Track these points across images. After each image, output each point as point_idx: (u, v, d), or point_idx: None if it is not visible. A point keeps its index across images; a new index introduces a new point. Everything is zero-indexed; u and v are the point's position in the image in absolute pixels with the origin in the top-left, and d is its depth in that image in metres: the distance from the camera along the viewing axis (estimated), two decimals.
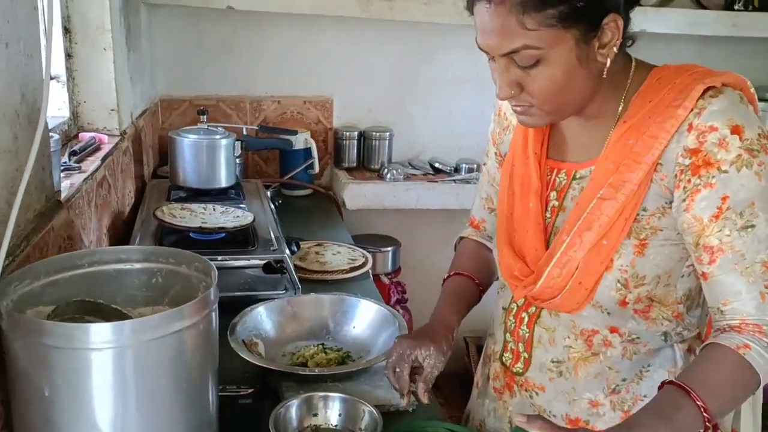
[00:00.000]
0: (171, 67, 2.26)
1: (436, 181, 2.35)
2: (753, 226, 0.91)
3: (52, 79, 1.53)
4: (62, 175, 1.23)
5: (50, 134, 1.12)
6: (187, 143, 1.73)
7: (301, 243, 1.68)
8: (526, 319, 1.09)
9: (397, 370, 1.05)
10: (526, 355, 1.10)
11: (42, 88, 1.01)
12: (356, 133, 2.42)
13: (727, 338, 0.95)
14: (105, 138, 1.55)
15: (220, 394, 0.92)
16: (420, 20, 2.22)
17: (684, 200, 0.94)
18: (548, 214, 1.05)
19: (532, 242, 1.05)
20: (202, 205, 1.57)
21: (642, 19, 0.98)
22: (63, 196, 1.16)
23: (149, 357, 0.76)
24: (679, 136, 0.92)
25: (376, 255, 2.17)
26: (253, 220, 1.53)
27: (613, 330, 1.03)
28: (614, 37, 0.91)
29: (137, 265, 0.95)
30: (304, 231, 1.91)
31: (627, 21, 0.94)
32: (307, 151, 2.25)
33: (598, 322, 1.02)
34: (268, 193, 1.90)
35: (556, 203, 1.05)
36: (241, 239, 1.50)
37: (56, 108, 1.55)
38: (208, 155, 1.75)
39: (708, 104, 0.91)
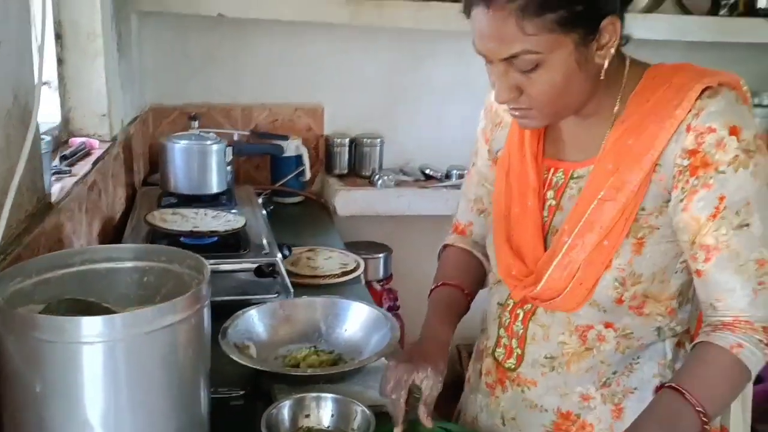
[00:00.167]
0: (161, 76, 2.27)
1: (427, 188, 2.36)
2: (748, 225, 0.93)
3: (44, 84, 1.53)
4: (53, 178, 1.23)
5: (42, 136, 1.12)
6: (178, 148, 1.74)
7: (292, 248, 1.68)
8: (521, 316, 1.09)
9: (394, 396, 1.01)
10: (519, 351, 1.10)
11: (34, 89, 1.01)
12: (347, 140, 2.43)
13: (720, 337, 0.96)
14: (96, 143, 1.55)
15: (211, 396, 0.92)
16: (409, 27, 2.24)
17: (682, 200, 0.95)
18: (545, 213, 1.06)
19: (531, 241, 1.05)
20: (194, 210, 1.57)
21: (629, 25, 1.00)
22: (54, 198, 1.16)
23: (141, 351, 0.76)
24: (677, 136, 0.93)
25: (368, 261, 2.17)
26: (245, 224, 1.53)
27: (607, 325, 1.03)
28: (612, 38, 0.92)
29: (128, 264, 0.95)
30: (296, 238, 1.91)
31: (622, 21, 0.94)
32: (299, 158, 2.26)
33: (594, 318, 1.03)
34: (260, 200, 1.90)
35: (554, 202, 1.05)
36: (233, 243, 1.50)
37: (47, 114, 1.55)
38: (199, 161, 1.76)
39: (706, 105, 0.92)
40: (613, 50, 0.93)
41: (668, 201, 0.97)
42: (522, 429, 1.11)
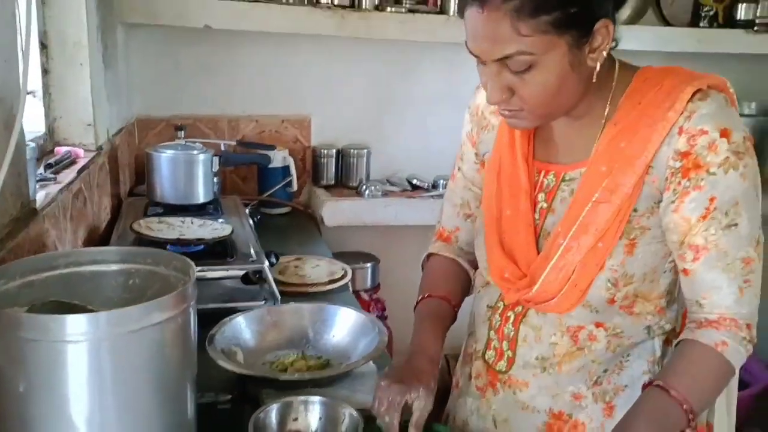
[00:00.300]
0: (148, 87, 2.27)
1: (414, 197, 2.36)
2: (736, 224, 0.95)
3: (28, 93, 1.53)
4: (38, 186, 1.23)
5: (27, 143, 1.12)
6: (165, 158, 1.73)
7: (280, 257, 1.68)
8: (512, 318, 1.09)
9: (387, 418, 1.00)
10: (510, 354, 1.10)
11: (20, 95, 1.01)
12: (334, 151, 2.43)
13: (705, 335, 0.98)
14: (81, 152, 1.54)
15: (198, 402, 0.92)
16: (395, 38, 2.26)
17: (673, 201, 0.96)
18: (536, 216, 1.06)
19: (523, 244, 1.06)
20: (180, 219, 1.57)
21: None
22: (38, 204, 1.15)
23: (126, 350, 0.75)
24: (670, 138, 0.94)
25: (356, 271, 2.17)
26: (232, 232, 1.53)
27: (598, 325, 1.04)
28: (605, 41, 0.93)
29: (114, 267, 0.95)
30: (283, 248, 1.90)
31: (614, 25, 0.95)
32: (285, 169, 2.26)
33: (585, 319, 1.03)
34: (247, 211, 1.90)
35: (545, 205, 1.05)
36: (220, 251, 1.49)
37: (33, 123, 1.54)
38: (185, 170, 1.75)
39: (697, 108, 0.93)
40: (605, 53, 0.94)
41: (659, 202, 0.98)
42: (514, 430, 1.11)
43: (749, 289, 0.97)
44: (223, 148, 1.95)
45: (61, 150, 1.52)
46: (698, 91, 0.95)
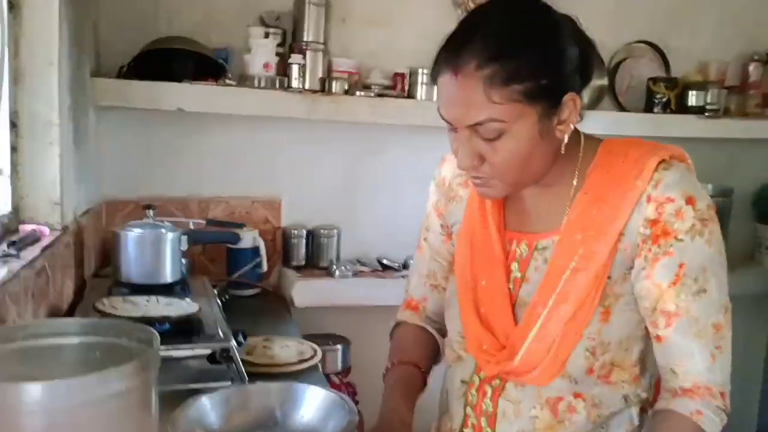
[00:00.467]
0: (117, 169, 2.26)
1: (385, 277, 2.35)
2: (705, 290, 0.97)
3: None
4: (0, 261, 1.20)
5: None
6: (132, 237, 1.71)
7: (248, 337, 1.64)
8: (489, 393, 1.07)
9: None
10: (489, 430, 1.07)
11: None
12: (305, 232, 2.43)
13: (680, 404, 0.98)
14: (46, 231, 1.52)
15: None
16: (365, 121, 2.32)
17: (644, 268, 0.98)
18: (510, 286, 1.06)
19: (500, 314, 1.05)
20: (146, 298, 1.53)
21: None
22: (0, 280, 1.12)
23: (85, 420, 0.71)
24: (639, 206, 0.97)
25: (326, 353, 2.12)
26: (199, 310, 1.49)
27: (577, 395, 1.03)
28: (572, 114, 0.97)
29: (75, 339, 0.91)
30: (252, 329, 1.85)
31: (581, 100, 0.99)
32: (255, 251, 2.24)
33: (564, 390, 1.02)
34: (215, 291, 1.87)
35: (519, 274, 1.06)
36: (186, 330, 1.45)
37: None
38: (152, 249, 1.73)
39: (663, 177, 0.97)
40: (572, 126, 0.98)
41: (631, 269, 1.00)
42: None
43: (721, 355, 0.98)
44: (191, 227, 1.93)
45: (26, 228, 1.50)
46: (662, 161, 0.98)
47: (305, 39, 2.32)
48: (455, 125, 0.97)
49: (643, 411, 1.08)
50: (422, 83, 2.41)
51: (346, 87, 2.32)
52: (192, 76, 2.17)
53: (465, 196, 1.16)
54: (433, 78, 0.99)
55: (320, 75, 2.32)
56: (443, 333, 1.23)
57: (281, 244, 2.46)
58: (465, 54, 0.93)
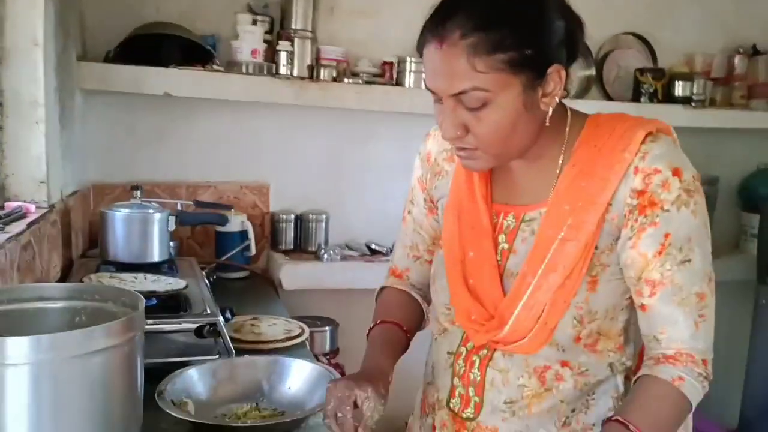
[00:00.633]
0: (105, 153, 2.26)
1: (373, 261, 2.37)
2: (690, 260, 0.99)
3: None
4: None
5: None
6: (119, 216, 1.72)
7: (236, 316, 1.65)
8: (477, 363, 1.08)
9: (339, 414, 0.99)
10: (477, 399, 1.08)
11: None
12: (293, 216, 2.44)
13: (663, 370, 0.99)
14: (32, 208, 1.52)
15: None
16: (352, 107, 2.33)
17: (630, 238, 0.99)
18: (498, 257, 1.07)
19: (489, 285, 1.06)
20: (133, 275, 1.54)
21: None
22: None
23: (68, 377, 0.72)
24: (626, 178, 0.98)
25: (314, 334, 2.13)
26: (186, 287, 1.50)
27: (564, 364, 1.05)
28: (557, 87, 0.97)
29: (60, 304, 0.92)
30: (240, 310, 1.86)
31: (568, 73, 0.99)
32: (243, 234, 2.25)
33: (551, 358, 1.04)
34: (204, 273, 1.87)
35: (506, 246, 1.07)
36: (173, 305, 1.46)
37: None
38: (140, 229, 1.73)
39: (650, 149, 0.98)
40: (557, 99, 0.98)
41: (617, 239, 1.01)
42: None
43: (704, 323, 1.00)
44: (179, 208, 1.93)
45: (11, 205, 1.50)
46: (649, 133, 1.00)
47: (293, 27, 2.32)
48: (440, 95, 0.98)
49: (627, 379, 1.09)
50: (411, 72, 2.42)
51: (335, 75, 2.33)
52: (179, 62, 2.17)
53: (450, 170, 1.17)
54: (419, 49, 0.99)
55: (308, 62, 2.32)
56: (427, 300, 1.25)
57: (269, 229, 2.46)
58: (449, 24, 0.93)
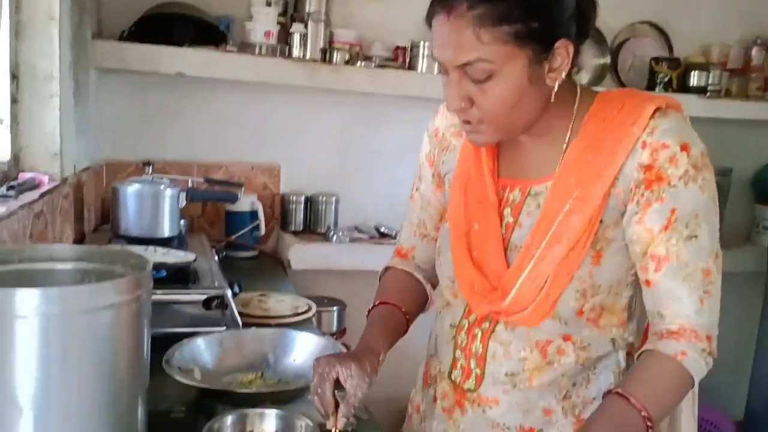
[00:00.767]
0: (118, 131, 2.28)
1: (382, 244, 2.38)
2: (696, 236, 0.98)
3: None
4: None
5: None
6: (131, 191, 1.74)
7: (244, 291, 1.67)
8: (480, 335, 1.09)
9: (319, 390, 1.00)
10: (479, 371, 1.09)
11: None
12: (303, 198, 2.46)
13: (666, 345, 1.00)
14: (45, 179, 1.54)
15: (151, 409, 0.89)
16: (364, 90, 2.33)
17: (636, 213, 0.99)
18: (503, 230, 1.08)
19: (493, 257, 1.07)
20: (143, 247, 1.56)
21: None
22: None
23: (76, 330, 0.74)
24: (634, 152, 0.98)
25: (322, 314, 2.15)
26: (195, 260, 1.52)
27: (566, 338, 1.05)
28: (564, 62, 0.97)
29: (69, 265, 0.93)
30: (248, 287, 1.88)
31: (577, 50, 0.99)
32: (254, 214, 2.27)
33: (554, 332, 1.04)
34: (213, 250, 1.89)
35: (511, 219, 1.07)
36: (182, 277, 1.48)
37: None
38: (151, 205, 1.76)
39: (659, 124, 0.98)
40: (564, 74, 0.98)
41: (623, 214, 1.01)
42: None
43: (709, 300, 1.00)
44: (190, 185, 1.95)
45: (25, 175, 1.52)
46: (658, 108, 1.00)
47: (307, 10, 2.33)
48: (446, 65, 0.98)
49: (629, 355, 1.10)
50: (423, 56, 2.42)
51: (347, 58, 2.33)
52: (193, 43, 2.18)
53: (458, 145, 1.17)
54: (428, 20, 0.99)
55: (321, 45, 2.33)
56: (432, 282, 1.25)
57: (279, 210, 2.48)
58: None
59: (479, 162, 1.11)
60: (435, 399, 1.17)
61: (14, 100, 1.59)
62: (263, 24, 2.27)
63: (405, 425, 1.28)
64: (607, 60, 2.78)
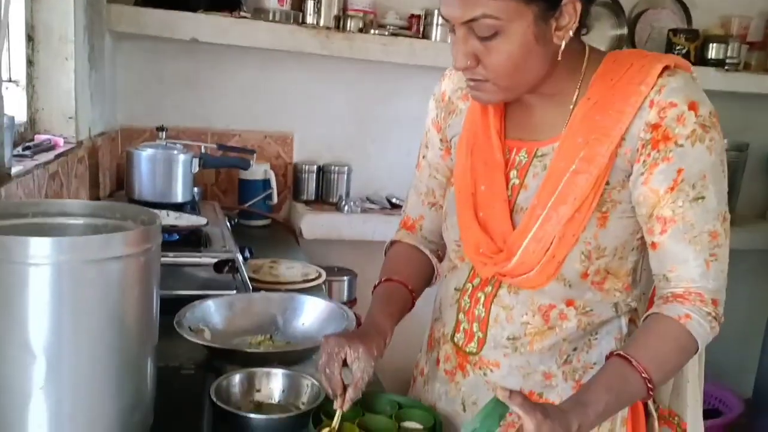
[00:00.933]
0: (132, 97, 2.30)
1: (393, 215, 2.38)
2: (703, 197, 0.97)
3: (11, 82, 1.55)
4: (14, 160, 1.24)
5: (4, 113, 1.14)
6: (144, 156, 1.75)
7: (255, 258, 1.68)
8: (483, 299, 1.09)
9: (327, 371, 1.00)
10: (481, 335, 1.09)
11: None
12: (315, 167, 2.46)
13: (670, 308, 0.99)
14: (61, 141, 1.56)
15: (161, 366, 0.91)
16: (378, 59, 2.32)
17: (642, 173, 0.98)
18: (509, 192, 1.07)
19: (499, 218, 1.06)
20: (156, 211, 1.57)
21: None
22: (13, 173, 1.16)
23: (87, 279, 0.75)
24: (641, 111, 0.96)
25: (332, 283, 2.17)
26: (207, 224, 1.54)
27: (569, 303, 1.05)
28: (571, 20, 0.95)
29: (81, 220, 0.95)
30: (260, 254, 1.90)
31: (585, 10, 0.97)
32: (266, 183, 2.28)
33: (557, 296, 1.04)
34: (226, 217, 1.91)
35: (517, 181, 1.06)
36: (194, 241, 1.50)
37: (14, 112, 1.56)
38: (164, 169, 1.77)
39: (667, 82, 0.96)
40: (571, 33, 0.96)
41: (629, 175, 1.00)
42: None
43: (715, 263, 0.99)
44: (203, 151, 1.97)
45: (41, 137, 1.54)
46: (666, 67, 0.98)
47: None
48: (452, 22, 0.97)
49: (632, 321, 1.09)
50: (437, 25, 2.40)
51: (361, 26, 2.32)
52: (207, 8, 2.18)
53: (464, 108, 1.16)
54: None
55: (335, 12, 2.31)
56: (438, 255, 1.25)
57: (292, 179, 2.49)
58: None
59: (486, 123, 1.10)
60: (438, 362, 1.18)
61: (30, 62, 1.60)
62: None
63: (410, 389, 1.29)
64: (624, 31, 2.74)
